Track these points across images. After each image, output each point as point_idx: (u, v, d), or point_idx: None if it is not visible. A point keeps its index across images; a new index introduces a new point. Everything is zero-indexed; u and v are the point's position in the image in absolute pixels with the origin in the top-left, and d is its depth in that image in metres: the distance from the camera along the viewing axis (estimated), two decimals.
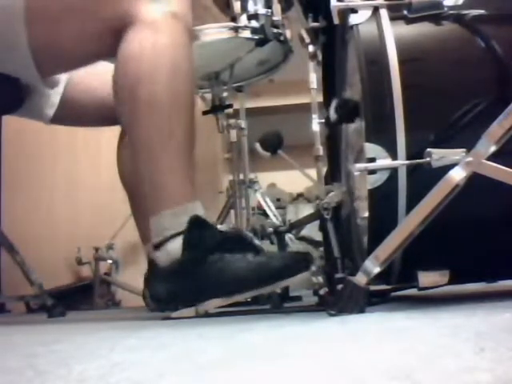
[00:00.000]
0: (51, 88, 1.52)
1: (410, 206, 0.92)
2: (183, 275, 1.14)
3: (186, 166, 1.18)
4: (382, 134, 0.96)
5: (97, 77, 1.61)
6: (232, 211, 2.13)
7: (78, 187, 2.88)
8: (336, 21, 1.06)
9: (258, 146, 2.18)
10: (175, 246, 1.15)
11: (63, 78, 1.58)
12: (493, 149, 0.87)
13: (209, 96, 1.89)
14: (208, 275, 1.13)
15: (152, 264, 1.19)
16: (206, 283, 1.13)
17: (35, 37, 1.24)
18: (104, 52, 1.26)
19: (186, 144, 1.19)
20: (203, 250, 1.13)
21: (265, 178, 2.95)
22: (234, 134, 2.06)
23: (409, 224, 0.90)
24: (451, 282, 0.96)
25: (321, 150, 1.39)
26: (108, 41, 1.21)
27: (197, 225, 1.15)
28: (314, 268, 1.20)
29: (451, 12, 1.01)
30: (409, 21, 1.01)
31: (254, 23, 1.59)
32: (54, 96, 1.58)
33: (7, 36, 1.25)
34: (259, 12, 1.59)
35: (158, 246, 1.17)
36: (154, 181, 1.17)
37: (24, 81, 1.47)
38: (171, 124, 1.17)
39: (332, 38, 1.28)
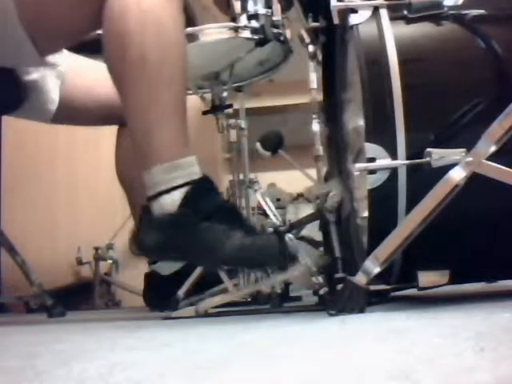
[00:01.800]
0: (52, 68, 1.51)
1: (410, 206, 0.92)
2: (173, 229, 1.12)
3: (178, 123, 1.16)
4: (382, 133, 0.96)
5: (95, 76, 1.61)
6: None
7: (77, 187, 2.87)
8: (336, 21, 1.06)
9: (258, 145, 2.18)
10: (168, 201, 1.13)
11: (59, 71, 1.57)
12: (493, 149, 0.87)
13: (209, 96, 1.89)
14: (194, 240, 1.11)
15: (145, 211, 1.17)
16: (190, 247, 1.12)
17: (24, 10, 1.23)
18: (93, 15, 1.24)
19: (178, 103, 1.17)
20: (197, 213, 1.12)
21: (265, 178, 2.94)
22: (233, 134, 2.06)
23: (409, 224, 0.90)
24: (451, 282, 0.96)
25: (321, 150, 1.39)
26: (95, 4, 1.20)
27: (201, 186, 1.14)
28: (295, 266, 1.20)
29: (451, 12, 1.01)
30: (409, 21, 1.01)
31: (254, 23, 1.58)
32: (54, 92, 1.58)
33: None
34: (259, 12, 1.59)
35: (152, 198, 1.15)
36: (145, 136, 1.15)
37: (24, 79, 1.47)
38: (162, 84, 1.15)
39: (332, 38, 1.28)
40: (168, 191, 1.13)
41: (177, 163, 1.14)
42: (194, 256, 1.15)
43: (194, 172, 1.15)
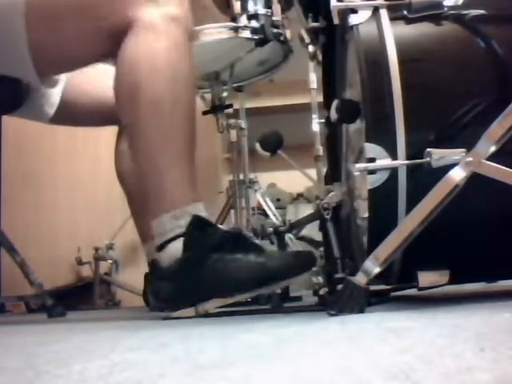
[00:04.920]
0: (50, 87, 1.52)
1: (410, 206, 0.92)
2: (184, 274, 1.14)
3: (187, 167, 1.18)
4: (382, 133, 0.96)
5: (96, 77, 1.61)
6: (232, 211, 2.13)
7: (78, 187, 2.87)
8: (336, 21, 1.06)
9: (258, 146, 2.18)
10: (176, 247, 1.15)
11: (62, 77, 1.58)
12: (493, 149, 0.87)
13: (209, 96, 1.89)
14: (208, 275, 1.13)
15: (154, 264, 1.19)
16: (206, 283, 1.13)
17: (35, 36, 1.24)
18: (103, 54, 1.27)
19: (187, 146, 1.19)
20: (203, 249, 1.14)
21: (265, 178, 2.95)
22: (234, 133, 2.06)
23: (409, 224, 0.90)
24: (451, 282, 0.96)
25: (321, 150, 1.39)
26: (107, 42, 1.21)
27: (197, 225, 1.15)
28: (314, 268, 1.20)
29: (451, 12, 1.01)
30: (409, 21, 1.01)
31: (254, 23, 1.59)
32: (54, 96, 1.58)
33: (7, 35, 1.25)
34: (259, 12, 1.59)
35: (159, 248, 1.17)
36: (154, 183, 1.18)
37: (24, 81, 1.47)
38: (172, 126, 1.17)
39: (332, 38, 1.28)
40: (175, 238, 1.15)
41: (185, 210, 1.16)
42: (214, 291, 1.14)
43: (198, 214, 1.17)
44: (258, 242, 1.33)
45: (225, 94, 1.87)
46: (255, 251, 1.15)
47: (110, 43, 1.21)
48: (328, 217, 1.21)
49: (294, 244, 1.93)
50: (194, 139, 1.21)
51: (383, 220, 0.96)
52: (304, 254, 1.22)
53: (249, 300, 1.49)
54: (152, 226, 1.19)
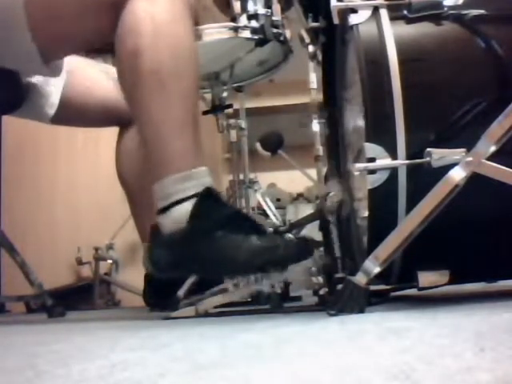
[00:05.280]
0: (55, 76, 1.51)
1: (410, 206, 0.92)
2: (186, 245, 1.11)
3: (191, 135, 1.16)
4: (382, 133, 0.96)
5: (96, 78, 1.61)
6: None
7: (78, 187, 2.88)
8: (336, 21, 1.06)
9: (258, 145, 2.18)
10: (180, 213, 1.12)
11: (63, 77, 1.58)
12: (493, 149, 0.87)
13: (209, 96, 1.89)
14: (210, 251, 1.10)
15: (155, 229, 1.16)
16: (207, 258, 1.11)
17: (35, 19, 1.23)
18: (104, 28, 1.24)
19: (191, 115, 1.17)
20: (210, 223, 1.11)
21: (265, 178, 2.95)
22: (234, 134, 2.06)
23: (409, 224, 0.90)
24: (451, 282, 0.96)
25: (321, 150, 1.39)
26: (107, 16, 1.20)
27: (208, 197, 1.13)
28: (314, 255, 1.19)
29: (451, 12, 1.01)
30: (409, 21, 1.01)
31: (254, 23, 1.58)
32: (54, 96, 1.58)
33: (7, 22, 1.24)
34: (259, 12, 1.59)
35: (162, 211, 1.14)
36: (158, 148, 1.15)
37: (25, 79, 1.47)
38: (175, 96, 1.15)
39: (332, 38, 1.28)
40: (179, 202, 1.12)
41: (189, 173, 1.13)
42: (212, 267, 1.13)
43: (206, 183, 1.14)
44: (263, 224, 1.30)
45: (225, 94, 1.87)
46: (259, 233, 1.13)
47: (109, 16, 1.19)
48: (332, 220, 1.21)
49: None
50: (198, 111, 1.20)
51: (383, 220, 0.96)
52: (305, 242, 1.20)
53: (249, 300, 1.49)
54: (154, 189, 1.16)
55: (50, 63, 1.35)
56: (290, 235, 1.88)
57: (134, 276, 2.45)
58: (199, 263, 1.13)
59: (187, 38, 1.19)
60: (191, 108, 1.18)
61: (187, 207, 1.12)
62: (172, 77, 1.15)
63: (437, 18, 1.01)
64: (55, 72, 1.47)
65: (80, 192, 2.87)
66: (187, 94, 1.17)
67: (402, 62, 0.97)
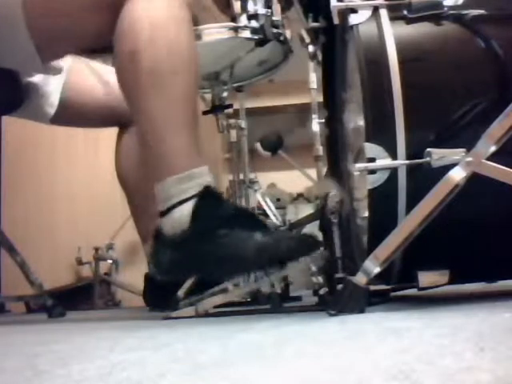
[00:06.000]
0: (54, 74, 1.51)
1: (410, 206, 0.92)
2: (189, 246, 1.11)
3: (190, 134, 1.16)
4: (382, 133, 0.96)
5: (96, 78, 1.61)
6: None
7: (77, 187, 2.88)
8: (336, 21, 1.06)
9: (258, 145, 2.18)
10: (182, 214, 1.12)
11: (62, 75, 1.58)
12: (493, 149, 0.87)
13: (209, 96, 1.89)
14: (213, 250, 1.09)
15: (157, 232, 1.16)
16: (211, 258, 1.10)
17: (33, 17, 1.23)
18: (102, 28, 1.24)
19: (189, 114, 1.17)
20: (212, 222, 1.11)
21: (265, 178, 2.95)
22: (233, 134, 2.06)
23: (409, 224, 0.90)
24: (451, 282, 0.96)
25: (321, 150, 1.39)
26: (105, 16, 1.20)
27: (208, 196, 1.12)
28: (319, 252, 1.18)
29: (451, 12, 1.01)
30: (409, 21, 1.01)
31: (254, 23, 1.58)
32: (54, 96, 1.58)
33: (5, 22, 1.24)
34: (259, 12, 1.59)
35: (164, 214, 1.14)
36: (158, 148, 1.15)
37: (24, 80, 1.47)
38: (173, 96, 1.15)
39: (332, 38, 1.28)
40: (181, 203, 1.12)
41: (189, 173, 1.13)
42: (218, 266, 1.12)
43: (206, 182, 1.14)
44: (266, 221, 1.29)
45: (225, 94, 1.87)
46: (262, 230, 1.13)
47: (107, 16, 1.19)
48: (335, 221, 1.20)
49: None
50: (196, 110, 1.20)
51: (383, 220, 0.96)
52: (308, 237, 1.19)
53: (249, 300, 1.49)
54: (156, 190, 1.15)
55: (48, 62, 1.35)
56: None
57: (133, 276, 2.45)
58: (204, 263, 1.12)
59: (185, 37, 1.19)
60: (190, 106, 1.18)
61: (189, 208, 1.11)
62: (169, 75, 1.15)
63: (437, 18, 1.01)
64: (55, 70, 1.47)
65: (80, 192, 2.87)
66: (185, 92, 1.17)
67: (402, 62, 0.97)
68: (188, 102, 1.17)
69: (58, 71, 1.50)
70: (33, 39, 1.25)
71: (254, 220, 1.16)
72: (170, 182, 1.13)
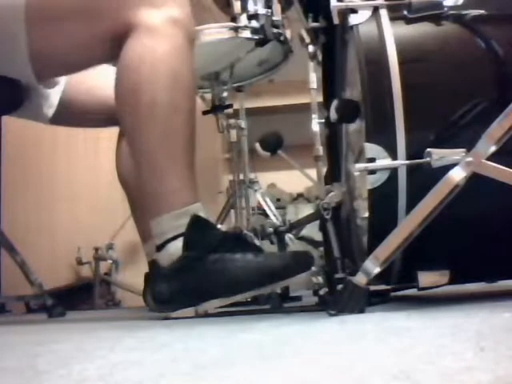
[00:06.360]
0: (50, 88, 1.52)
1: (410, 206, 0.92)
2: (183, 274, 1.14)
3: (186, 169, 1.19)
4: (382, 133, 0.96)
5: (96, 77, 1.60)
6: (232, 211, 2.13)
7: (77, 187, 2.87)
8: (336, 21, 1.06)
9: (257, 145, 2.18)
10: (176, 247, 1.15)
11: (63, 77, 1.58)
12: (493, 149, 0.87)
13: (209, 96, 1.89)
14: (208, 275, 1.13)
15: (154, 264, 1.20)
16: (206, 283, 1.13)
17: (34, 38, 1.24)
18: (103, 57, 1.27)
19: (186, 149, 1.19)
20: (203, 249, 1.14)
21: (265, 178, 2.95)
22: (233, 134, 2.06)
23: (409, 224, 0.90)
24: (451, 282, 0.96)
25: (321, 150, 1.39)
26: (107, 46, 1.22)
27: (197, 224, 1.16)
28: (314, 268, 1.20)
29: (451, 12, 1.01)
30: (409, 21, 1.01)
31: (254, 23, 1.59)
32: (54, 96, 1.58)
33: (7, 36, 1.25)
34: (259, 12, 1.59)
35: (159, 248, 1.17)
36: (154, 184, 1.18)
37: (24, 81, 1.47)
38: (171, 129, 1.18)
39: (332, 38, 1.28)
40: (175, 238, 1.15)
41: (183, 211, 1.16)
42: (214, 291, 1.15)
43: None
44: (256, 242, 1.33)
45: (225, 94, 1.87)
46: (254, 251, 1.16)
47: (110, 47, 1.21)
48: (328, 217, 1.21)
49: (294, 244, 1.93)
50: (194, 143, 1.22)
51: (383, 220, 0.96)
52: (302, 254, 1.22)
53: (249, 300, 1.49)
54: (151, 226, 1.19)
55: (43, 81, 1.37)
56: (290, 234, 1.89)
57: (133, 276, 2.45)
58: (200, 290, 1.15)
59: (186, 72, 1.20)
60: (188, 139, 1.20)
61: (181, 242, 1.15)
62: (168, 110, 1.17)
63: (437, 18, 1.01)
64: (50, 85, 1.49)
65: (80, 192, 2.87)
66: (183, 127, 1.19)
67: (402, 62, 0.97)
68: (186, 134, 1.20)
69: (52, 85, 1.52)
70: (30, 59, 1.26)
71: (244, 242, 1.20)
72: (163, 219, 1.17)
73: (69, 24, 1.24)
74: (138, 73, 1.18)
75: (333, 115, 1.08)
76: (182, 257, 1.14)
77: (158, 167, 1.18)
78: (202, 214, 1.17)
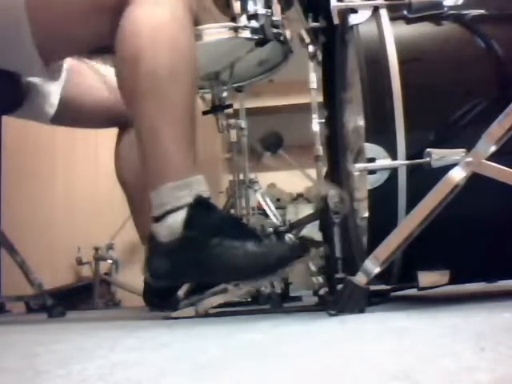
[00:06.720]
0: (54, 80, 1.51)
1: (410, 206, 0.92)
2: (183, 253, 1.12)
3: (187, 140, 1.17)
4: (382, 134, 0.96)
5: (95, 79, 1.61)
6: (232, 211, 2.13)
7: (77, 187, 2.88)
8: (336, 21, 1.06)
9: (258, 145, 2.18)
10: (175, 220, 1.13)
11: (63, 76, 1.58)
12: (493, 149, 0.87)
13: (209, 96, 1.89)
14: (206, 258, 1.11)
15: (152, 238, 1.17)
16: (204, 266, 1.12)
17: (37, 21, 1.24)
18: (104, 31, 1.24)
19: (186, 118, 1.17)
20: (204, 231, 1.12)
21: (265, 178, 2.95)
22: (233, 134, 2.06)
23: (409, 224, 0.90)
24: (451, 282, 0.96)
25: (321, 150, 1.39)
26: (108, 19, 1.20)
27: (200, 205, 1.13)
28: (310, 255, 1.19)
29: (451, 12, 1.01)
30: (409, 21, 1.01)
31: (254, 23, 1.58)
32: (54, 96, 1.58)
33: (8, 24, 1.25)
34: (259, 12, 1.59)
35: (158, 219, 1.15)
36: (155, 155, 1.16)
37: (24, 79, 1.47)
38: (172, 97, 1.16)
39: (332, 38, 1.28)
40: (174, 210, 1.13)
41: (184, 182, 1.14)
42: (210, 275, 1.14)
43: (200, 191, 1.14)
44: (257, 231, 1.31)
45: (225, 94, 1.87)
46: (254, 239, 1.14)
47: (110, 19, 1.20)
48: (337, 221, 1.21)
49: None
50: (194, 113, 1.20)
51: (383, 220, 0.96)
52: (300, 242, 1.21)
53: (249, 300, 1.49)
54: (151, 196, 1.16)
55: (50, 65, 1.35)
56: (290, 234, 1.89)
57: (133, 276, 2.45)
58: (197, 271, 1.13)
59: (186, 42, 1.19)
60: (187, 113, 1.18)
61: (181, 216, 1.13)
62: (169, 80, 1.16)
63: (437, 18, 1.01)
64: (55, 75, 1.48)
65: (80, 192, 2.87)
66: (183, 98, 1.17)
67: (402, 62, 0.97)
68: (185, 107, 1.18)
69: (57, 76, 1.51)
70: (35, 43, 1.25)
71: (245, 229, 1.18)
72: (165, 189, 1.14)
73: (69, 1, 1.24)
74: (137, 41, 1.17)
75: (258, 146, 1.09)
76: (182, 237, 1.12)
77: (158, 138, 1.15)
78: (202, 187, 1.16)
